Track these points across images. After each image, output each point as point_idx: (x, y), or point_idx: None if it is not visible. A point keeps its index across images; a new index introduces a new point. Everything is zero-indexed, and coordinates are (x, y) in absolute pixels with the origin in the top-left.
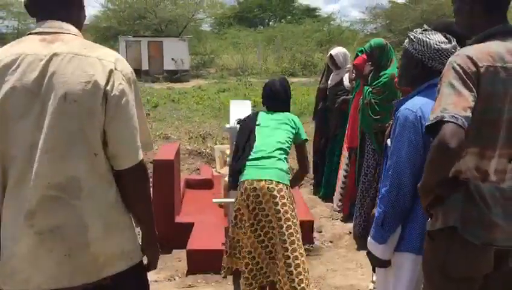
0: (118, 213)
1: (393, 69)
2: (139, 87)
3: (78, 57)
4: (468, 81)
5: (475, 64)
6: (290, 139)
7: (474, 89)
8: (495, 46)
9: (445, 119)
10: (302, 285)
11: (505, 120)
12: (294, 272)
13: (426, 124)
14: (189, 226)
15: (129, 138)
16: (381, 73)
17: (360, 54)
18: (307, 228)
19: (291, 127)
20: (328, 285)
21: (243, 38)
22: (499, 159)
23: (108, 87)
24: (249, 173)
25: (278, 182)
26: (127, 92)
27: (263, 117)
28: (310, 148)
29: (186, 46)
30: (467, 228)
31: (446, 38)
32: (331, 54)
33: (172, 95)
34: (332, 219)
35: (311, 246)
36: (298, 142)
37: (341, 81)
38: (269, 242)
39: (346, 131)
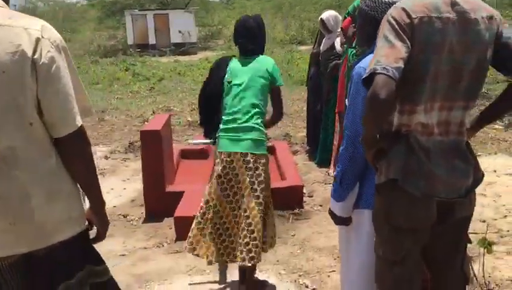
0: (60, 181)
1: None
2: (69, 53)
3: (3, 28)
4: (402, 33)
5: (409, 16)
6: (265, 93)
7: (407, 41)
8: None
9: (377, 71)
10: (251, 254)
11: (445, 71)
12: (251, 242)
13: (362, 77)
14: (180, 195)
15: (64, 105)
16: None
17: (347, 16)
18: (297, 193)
19: (266, 78)
20: (312, 247)
21: (251, 7)
22: (441, 111)
23: (36, 56)
24: (225, 145)
25: (254, 153)
26: (56, 59)
27: (234, 69)
28: (304, 115)
29: (193, 18)
30: (407, 179)
31: None
32: (321, 18)
33: (178, 68)
34: (325, 184)
35: (300, 211)
36: (273, 87)
37: (333, 46)
38: (238, 209)
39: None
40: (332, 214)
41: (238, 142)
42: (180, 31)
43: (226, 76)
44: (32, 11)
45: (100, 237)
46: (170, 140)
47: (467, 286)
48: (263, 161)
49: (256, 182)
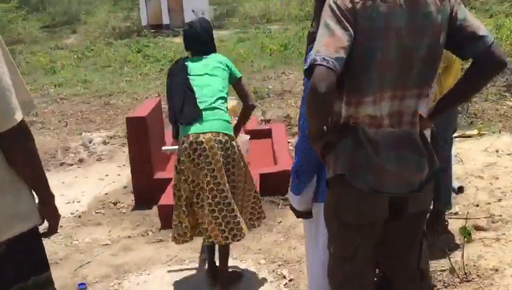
0: (4, 176)
1: None
2: (5, 45)
3: None
4: (343, 20)
5: (351, 0)
6: (226, 83)
7: (350, 28)
8: None
9: (317, 62)
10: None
11: (394, 58)
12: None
13: (304, 68)
14: (169, 182)
15: (0, 101)
16: None
17: None
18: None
19: (224, 69)
20: (296, 234)
21: None
22: (393, 101)
23: None
24: (194, 127)
25: (225, 133)
26: None
27: (192, 66)
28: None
29: None
30: (355, 175)
31: None
32: None
33: None
34: None
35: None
36: (235, 81)
37: None
38: (210, 193)
39: None
40: (291, 207)
41: (208, 122)
42: (193, 10)
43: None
44: None
45: (52, 231)
46: (161, 124)
47: (424, 282)
48: (233, 142)
49: (230, 161)
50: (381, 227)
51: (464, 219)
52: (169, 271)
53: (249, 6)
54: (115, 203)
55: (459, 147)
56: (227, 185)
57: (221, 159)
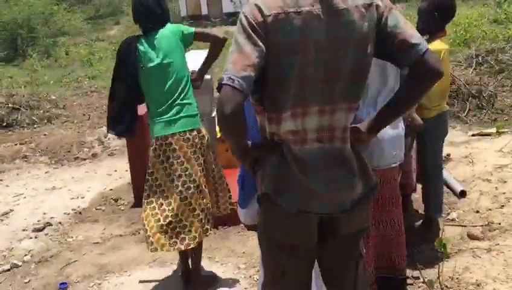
0: None
1: None
2: None
3: None
4: (253, 35)
5: (262, 13)
6: (183, 53)
7: (260, 43)
8: None
9: (223, 82)
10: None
11: (316, 72)
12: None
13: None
14: None
15: None
16: None
17: None
18: None
19: (178, 40)
20: None
21: None
22: (322, 116)
23: None
24: (161, 129)
25: (191, 129)
26: None
27: (145, 51)
28: None
29: None
30: (280, 194)
31: None
32: None
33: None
34: None
35: None
36: (193, 38)
37: None
38: (186, 191)
39: None
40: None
41: (174, 123)
42: (231, 0)
43: (139, 62)
44: None
45: None
46: None
47: None
48: (201, 134)
49: (200, 156)
50: (314, 247)
51: (460, 226)
52: (149, 273)
53: None
54: (116, 200)
55: (474, 147)
56: (199, 175)
57: (192, 156)
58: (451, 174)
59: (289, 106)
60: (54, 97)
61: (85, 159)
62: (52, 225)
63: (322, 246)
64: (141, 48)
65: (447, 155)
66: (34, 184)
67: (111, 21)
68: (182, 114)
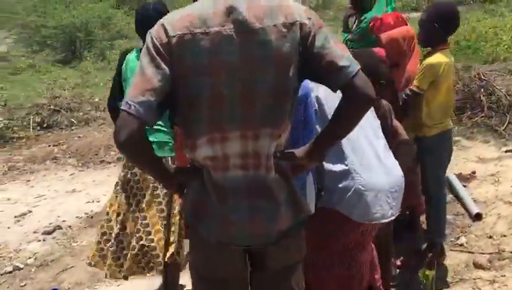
0: None
1: (376, 11)
2: None
3: None
4: (157, 57)
5: (167, 33)
6: None
7: (164, 66)
8: (200, 7)
9: (121, 107)
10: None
11: (230, 95)
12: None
13: None
14: None
15: None
16: (362, 17)
17: None
18: None
19: None
20: None
21: None
22: (244, 140)
23: None
24: None
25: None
26: None
27: (132, 65)
28: None
29: None
30: (200, 223)
31: None
32: None
33: None
34: None
35: None
36: None
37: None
38: (138, 218)
39: None
40: None
41: None
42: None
43: (123, 75)
44: None
45: None
46: None
47: None
48: (168, 161)
49: (159, 187)
50: (244, 281)
51: (468, 252)
52: (137, 284)
53: None
54: None
55: (504, 165)
56: (153, 210)
57: (151, 185)
58: (471, 194)
59: (204, 131)
60: (97, 100)
61: (110, 163)
62: (62, 229)
63: (252, 279)
64: (129, 57)
65: (472, 173)
66: (57, 186)
67: None
68: (154, 139)
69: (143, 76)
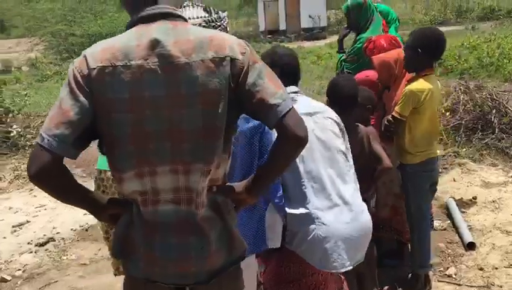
0: None
1: (372, 32)
2: None
3: None
4: (76, 89)
5: (88, 65)
6: None
7: (83, 98)
8: (125, 39)
9: (36, 139)
10: None
11: (156, 131)
12: None
13: None
14: None
15: None
16: (358, 37)
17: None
18: None
19: None
20: None
21: None
22: (175, 175)
23: None
24: (101, 162)
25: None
26: None
27: None
28: None
29: (324, 1)
30: (127, 258)
31: (205, 11)
32: None
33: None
34: None
35: None
36: None
37: None
38: None
39: None
40: None
41: None
42: (310, 16)
43: None
44: None
45: None
46: None
47: None
48: None
49: None
50: None
51: (456, 284)
52: None
53: None
54: None
55: (509, 191)
56: None
57: None
58: (469, 221)
59: (131, 165)
60: None
61: None
62: (55, 241)
63: None
64: None
65: (473, 198)
66: None
67: None
68: None
69: (60, 108)
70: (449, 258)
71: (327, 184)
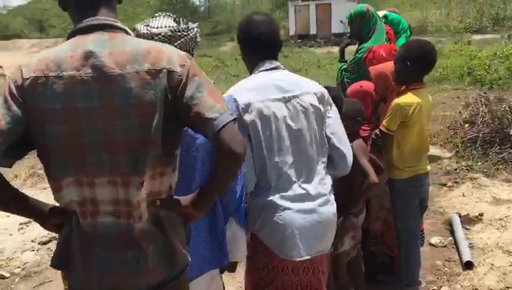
0: None
1: (374, 41)
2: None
3: None
4: (9, 98)
5: (22, 75)
6: None
7: (16, 108)
8: (60, 49)
9: None
10: None
11: (90, 142)
12: None
13: None
14: None
15: None
16: (359, 47)
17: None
18: None
19: None
20: None
21: None
22: (114, 187)
23: None
24: None
25: None
26: None
27: None
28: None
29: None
30: (68, 269)
31: (175, 22)
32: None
33: (322, 60)
34: None
35: None
36: None
37: None
38: None
39: None
40: None
41: None
42: (341, 21)
43: None
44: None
45: None
46: None
47: None
48: None
49: None
50: None
51: None
52: None
53: (405, 16)
54: None
55: None
56: None
57: None
58: (472, 238)
59: (69, 173)
60: None
61: None
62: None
63: None
64: None
65: (479, 215)
66: None
67: (226, 38)
68: None
69: None
70: (444, 277)
71: (292, 175)
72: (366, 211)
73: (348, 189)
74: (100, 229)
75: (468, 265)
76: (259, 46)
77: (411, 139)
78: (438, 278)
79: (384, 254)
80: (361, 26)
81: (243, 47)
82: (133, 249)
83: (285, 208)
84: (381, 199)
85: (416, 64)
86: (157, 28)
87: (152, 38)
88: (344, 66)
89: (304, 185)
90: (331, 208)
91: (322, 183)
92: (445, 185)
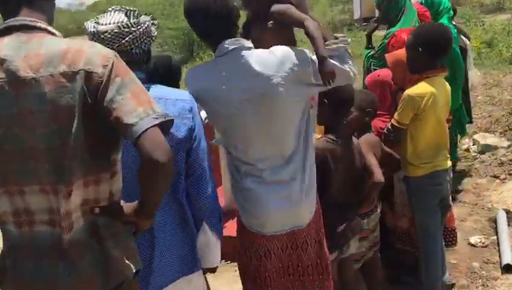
0: None
1: (402, 24)
2: None
3: None
4: None
5: None
6: None
7: None
8: None
9: None
10: None
11: (9, 150)
12: None
13: None
14: None
15: None
16: (387, 31)
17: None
18: None
19: None
20: None
21: None
22: (39, 196)
23: None
24: None
25: None
26: None
27: None
28: None
29: None
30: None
31: (126, 16)
32: None
33: None
34: None
35: None
36: None
37: None
38: None
39: None
40: None
41: None
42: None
43: None
44: None
45: None
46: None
47: None
48: None
49: None
50: None
51: None
52: None
53: None
54: None
55: None
56: None
57: None
58: None
59: None
60: None
61: None
62: None
63: None
64: None
65: None
66: None
67: None
68: None
69: None
70: (480, 280)
71: (266, 162)
72: (391, 208)
73: (356, 189)
74: (37, 239)
75: (508, 268)
76: None
77: (426, 133)
78: (472, 282)
79: (409, 254)
80: (388, 8)
81: None
82: (63, 260)
83: (256, 190)
84: (405, 196)
85: (427, 49)
86: (105, 24)
87: (99, 37)
88: (371, 53)
89: (278, 171)
90: (310, 199)
91: (298, 170)
92: (497, 177)
